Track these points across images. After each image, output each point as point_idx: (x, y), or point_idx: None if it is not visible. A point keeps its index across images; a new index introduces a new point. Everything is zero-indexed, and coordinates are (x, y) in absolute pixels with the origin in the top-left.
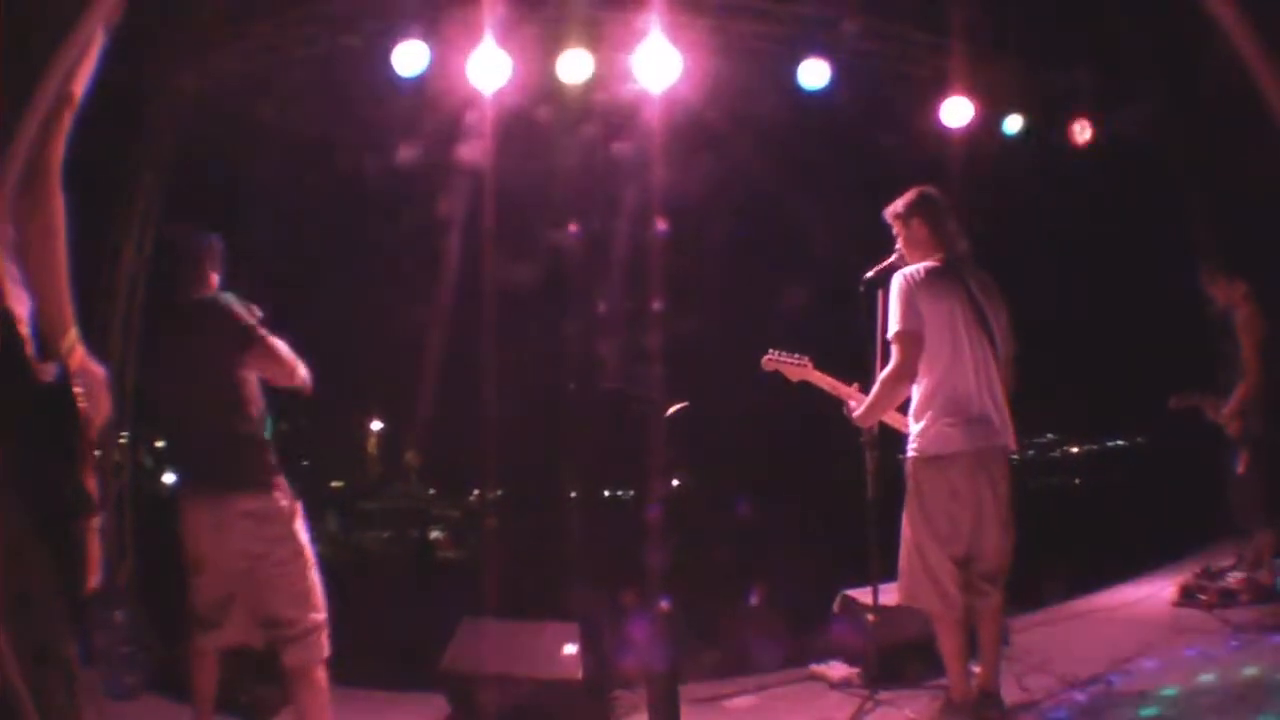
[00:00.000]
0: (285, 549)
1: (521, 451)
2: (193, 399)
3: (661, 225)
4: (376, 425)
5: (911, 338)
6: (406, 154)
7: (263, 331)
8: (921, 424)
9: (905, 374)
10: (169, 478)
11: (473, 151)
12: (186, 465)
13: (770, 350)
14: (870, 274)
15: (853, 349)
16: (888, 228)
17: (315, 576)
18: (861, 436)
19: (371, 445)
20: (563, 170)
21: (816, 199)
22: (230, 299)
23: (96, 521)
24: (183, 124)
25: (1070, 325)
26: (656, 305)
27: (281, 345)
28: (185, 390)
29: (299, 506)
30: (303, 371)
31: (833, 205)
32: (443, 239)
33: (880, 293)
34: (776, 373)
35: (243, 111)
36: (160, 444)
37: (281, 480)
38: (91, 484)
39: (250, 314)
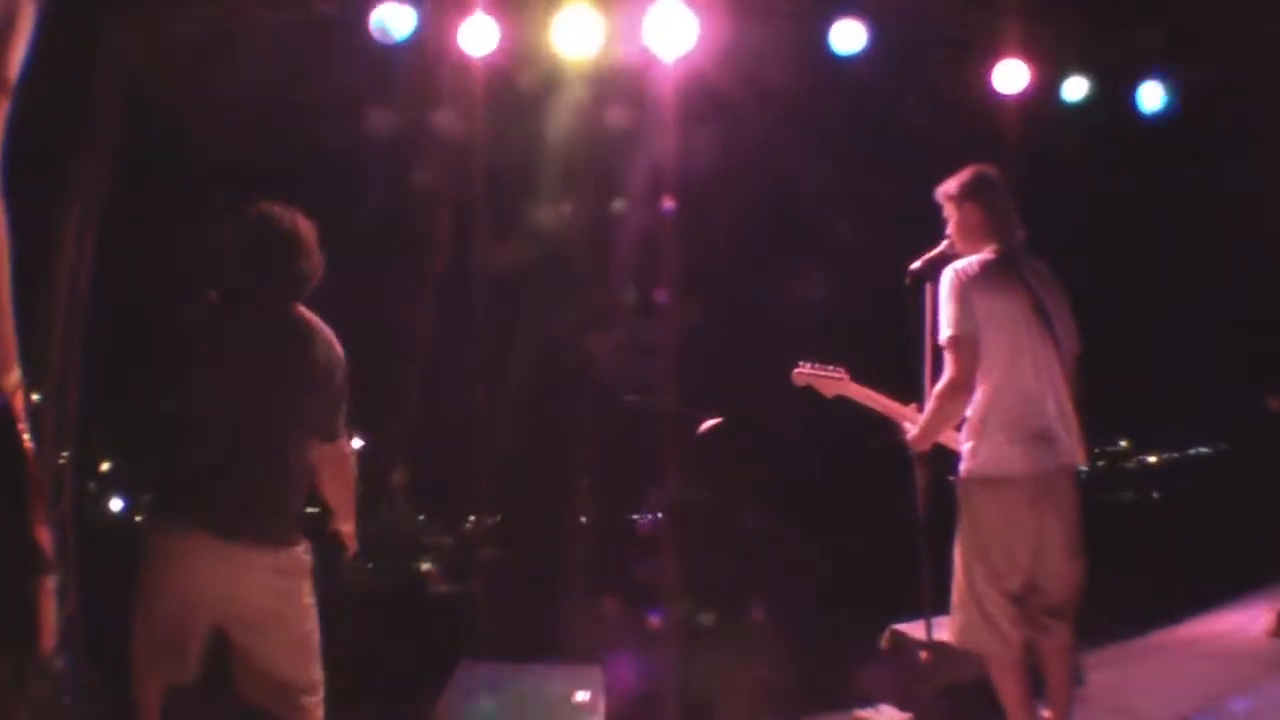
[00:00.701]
0: (311, 611)
1: (524, 471)
2: (263, 421)
3: (670, 206)
4: (356, 443)
5: (967, 343)
6: (385, 124)
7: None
8: (974, 441)
9: (962, 386)
10: (115, 504)
11: (461, 123)
12: (210, 498)
13: (801, 363)
14: (917, 265)
15: (892, 351)
16: (931, 214)
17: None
18: (909, 449)
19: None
20: (561, 145)
21: (849, 180)
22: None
23: (51, 582)
24: (130, 98)
25: (1144, 317)
26: (664, 300)
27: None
28: (261, 407)
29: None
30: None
31: (867, 188)
32: (427, 221)
33: (928, 287)
34: (808, 388)
35: (199, 82)
36: (105, 467)
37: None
38: (44, 538)
39: None
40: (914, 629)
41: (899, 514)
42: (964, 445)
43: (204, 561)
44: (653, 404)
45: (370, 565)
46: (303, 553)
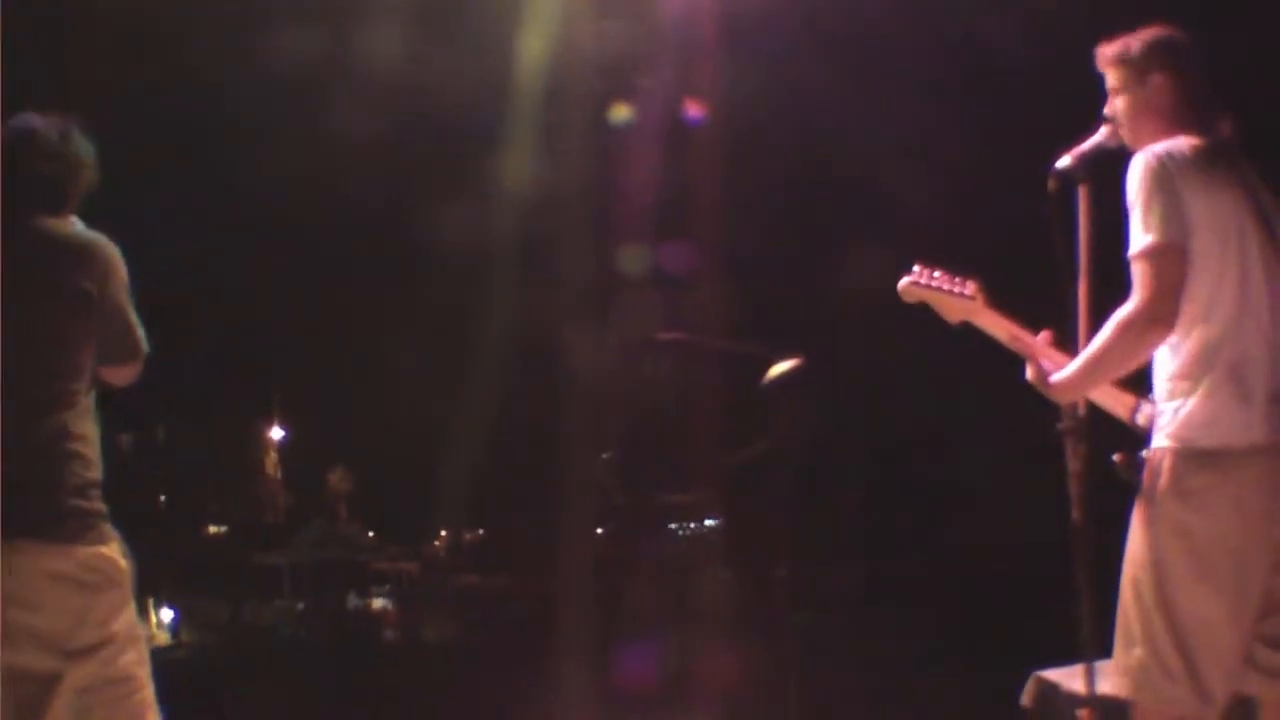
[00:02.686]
0: (133, 638)
1: (516, 464)
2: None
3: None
4: (277, 433)
5: (1173, 255)
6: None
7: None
8: (1183, 400)
9: (1161, 315)
10: None
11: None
12: None
13: (916, 268)
14: (1066, 161)
15: (1021, 282)
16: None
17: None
18: (1059, 420)
19: (270, 464)
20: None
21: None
22: (89, 233)
23: None
24: None
25: None
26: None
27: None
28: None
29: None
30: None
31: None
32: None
33: (1082, 191)
34: (921, 306)
35: None
36: None
37: (111, 528)
38: None
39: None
40: (1067, 677)
41: (1042, 510)
42: (1163, 405)
43: None
44: (700, 343)
45: (300, 605)
46: (115, 555)
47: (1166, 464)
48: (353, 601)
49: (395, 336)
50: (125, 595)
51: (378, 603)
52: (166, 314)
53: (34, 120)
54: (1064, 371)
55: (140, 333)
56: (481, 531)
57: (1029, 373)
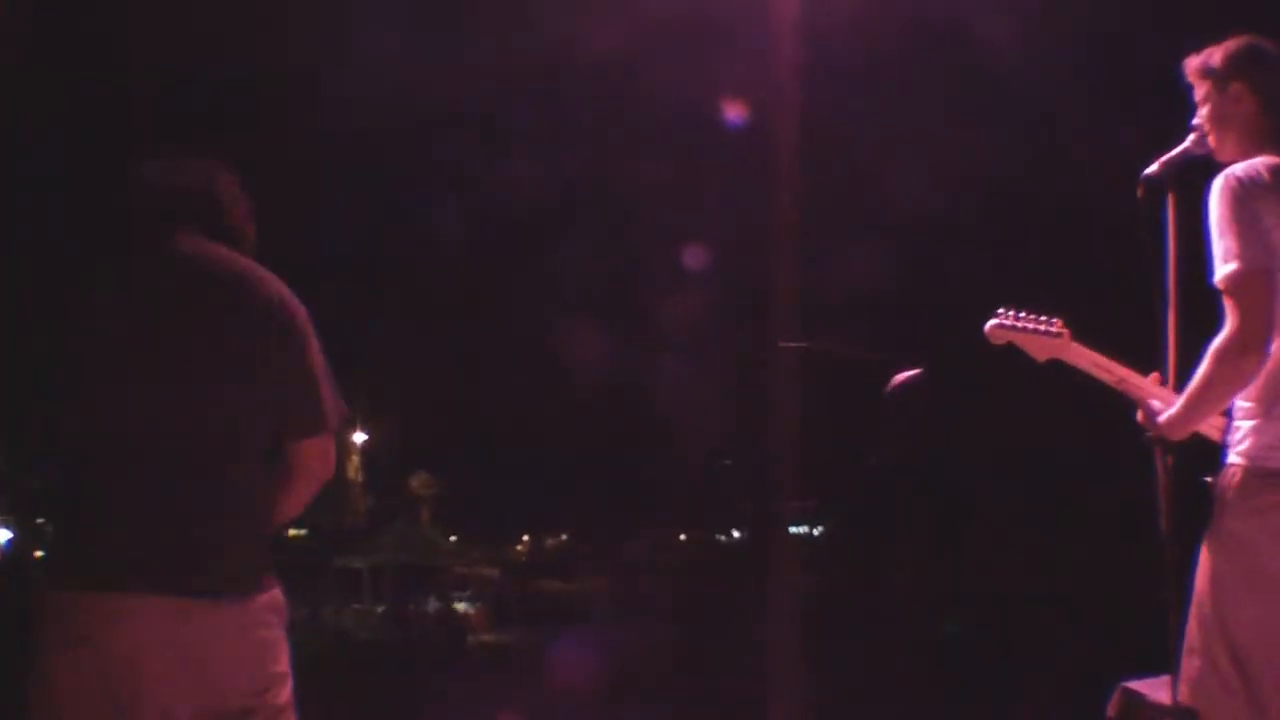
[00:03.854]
0: (279, 685)
1: (602, 469)
2: (165, 418)
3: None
4: (358, 437)
5: (1261, 280)
6: None
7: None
8: (1256, 420)
9: (1251, 344)
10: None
11: None
12: (113, 537)
13: (999, 311)
14: (1153, 169)
15: (1106, 294)
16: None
17: None
18: (1147, 430)
19: (352, 468)
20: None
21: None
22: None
23: None
24: None
25: None
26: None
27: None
28: (155, 399)
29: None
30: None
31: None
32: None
33: (1169, 200)
34: (1010, 347)
35: None
36: None
37: (273, 580)
38: None
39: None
40: (1154, 688)
41: (1132, 525)
42: (1238, 422)
43: (123, 631)
44: (823, 349)
45: (380, 608)
46: (279, 597)
47: (1236, 481)
48: (433, 605)
49: (481, 341)
50: (285, 631)
51: (459, 606)
52: None
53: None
54: (1170, 411)
55: (331, 407)
56: (565, 537)
57: (1139, 415)
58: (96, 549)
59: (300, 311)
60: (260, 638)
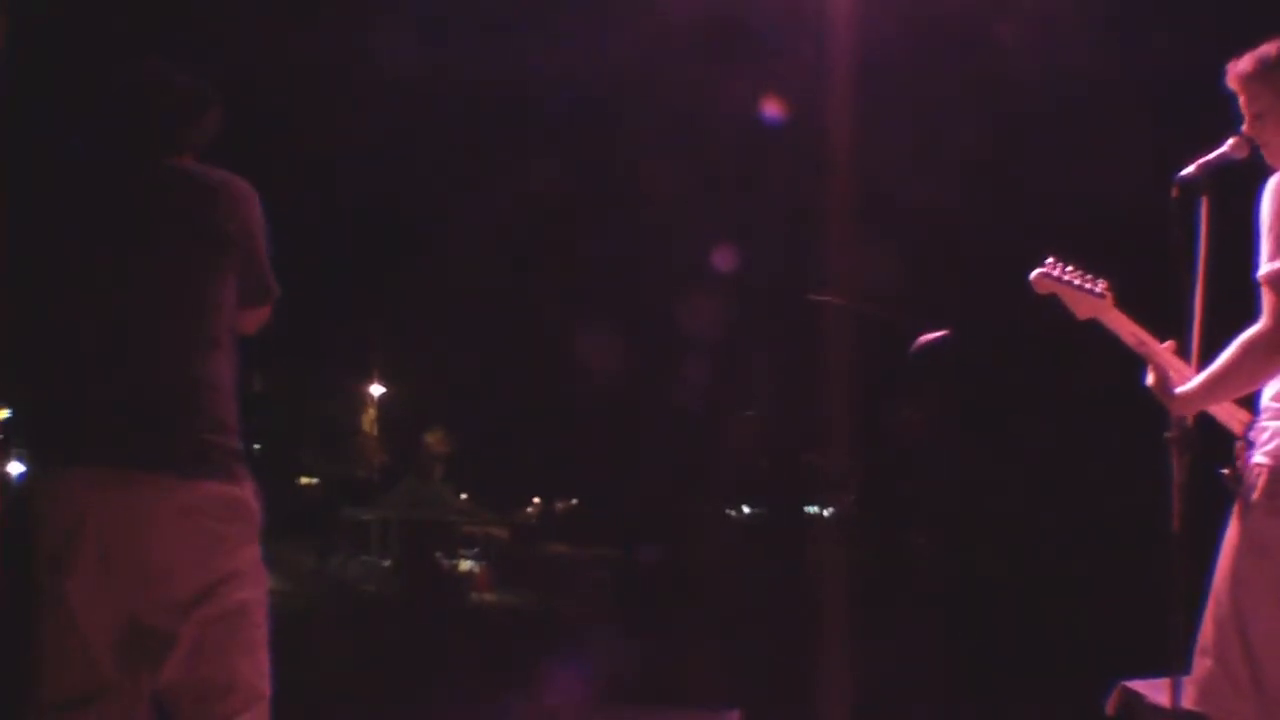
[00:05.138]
0: (254, 576)
1: (618, 433)
2: (134, 317)
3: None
4: (376, 389)
5: None
6: None
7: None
8: None
9: None
10: (14, 467)
11: None
12: (93, 424)
13: (1049, 260)
14: (1189, 170)
15: (1140, 291)
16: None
17: (266, 625)
18: (1167, 430)
19: (368, 421)
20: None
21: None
22: (224, 172)
23: None
24: None
25: None
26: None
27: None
28: (123, 301)
29: (259, 505)
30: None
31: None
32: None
33: (1204, 202)
34: (1051, 298)
35: None
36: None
37: (245, 469)
38: None
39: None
40: (1155, 689)
41: (1142, 518)
42: (1266, 422)
43: (98, 508)
44: (852, 307)
45: (387, 562)
46: (251, 495)
47: (1261, 481)
48: (440, 562)
49: (502, 302)
50: (252, 535)
51: (465, 565)
52: (276, 264)
53: (154, 63)
54: (1187, 385)
55: (272, 277)
56: (575, 501)
57: (1150, 379)
58: (54, 430)
59: (248, 195)
60: (206, 526)
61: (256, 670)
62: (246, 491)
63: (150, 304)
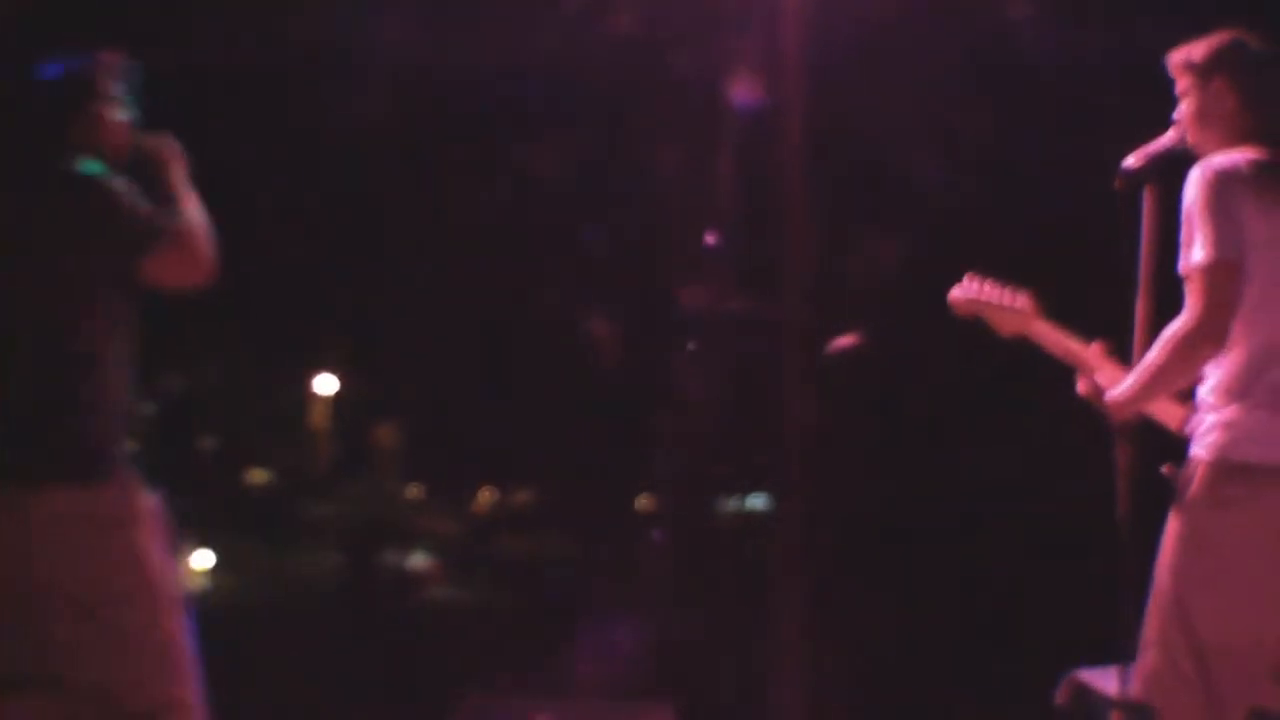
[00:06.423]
0: (127, 578)
1: (567, 426)
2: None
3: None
4: (326, 382)
5: (1226, 271)
6: None
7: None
8: (1220, 413)
9: (1212, 333)
10: None
11: None
12: None
13: (966, 278)
14: (1132, 161)
15: (1077, 284)
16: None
17: (178, 627)
18: (1089, 402)
19: (318, 414)
20: None
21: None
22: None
23: None
24: None
25: None
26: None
27: (193, 212)
28: None
29: (151, 508)
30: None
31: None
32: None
33: (1146, 193)
34: (975, 319)
35: None
36: None
37: (124, 469)
38: None
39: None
40: (1103, 678)
41: (1087, 512)
42: (1202, 418)
43: None
44: (757, 312)
45: (338, 557)
46: (120, 495)
47: (1199, 474)
48: (391, 558)
49: (452, 292)
50: (140, 539)
51: (417, 560)
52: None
53: (51, 62)
54: (1119, 388)
55: (155, 218)
56: (525, 492)
57: (1080, 386)
58: None
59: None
60: (83, 534)
61: (160, 671)
62: (131, 495)
63: (15, 319)
